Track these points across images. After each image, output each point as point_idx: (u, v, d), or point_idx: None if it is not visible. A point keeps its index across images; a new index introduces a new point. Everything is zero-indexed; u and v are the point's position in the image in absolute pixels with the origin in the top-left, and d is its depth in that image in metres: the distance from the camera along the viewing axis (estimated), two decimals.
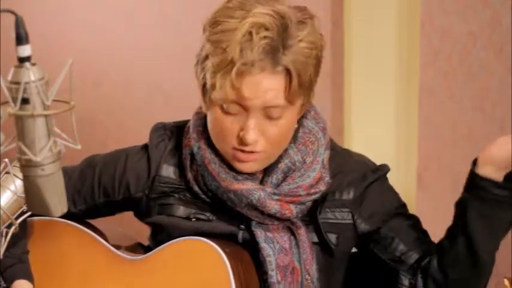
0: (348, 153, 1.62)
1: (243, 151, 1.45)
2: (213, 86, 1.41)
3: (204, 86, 1.45)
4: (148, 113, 2.53)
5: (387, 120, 2.58)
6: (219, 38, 1.40)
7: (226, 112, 1.43)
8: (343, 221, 1.54)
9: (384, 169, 1.59)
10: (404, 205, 1.61)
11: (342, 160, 1.58)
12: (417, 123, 2.52)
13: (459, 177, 2.56)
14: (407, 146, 2.56)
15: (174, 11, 2.53)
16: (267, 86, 1.39)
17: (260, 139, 1.43)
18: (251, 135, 1.42)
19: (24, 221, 1.41)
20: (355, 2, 2.52)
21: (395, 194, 1.61)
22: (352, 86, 2.57)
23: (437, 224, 2.42)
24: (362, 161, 1.60)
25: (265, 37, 1.37)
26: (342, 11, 2.55)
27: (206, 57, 1.42)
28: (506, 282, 1.41)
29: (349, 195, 1.54)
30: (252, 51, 1.36)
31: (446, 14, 2.45)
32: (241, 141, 1.43)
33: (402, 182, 2.49)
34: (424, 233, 1.60)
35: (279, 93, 1.40)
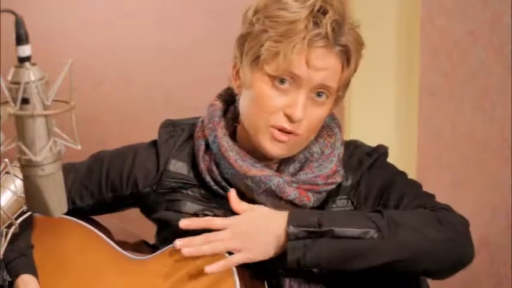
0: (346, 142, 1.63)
1: (283, 130, 1.46)
2: (275, 55, 1.43)
3: (254, 60, 1.46)
4: (148, 113, 2.53)
5: (387, 120, 2.58)
6: (280, 13, 1.43)
7: (276, 87, 1.45)
8: (344, 208, 1.55)
9: (379, 150, 1.60)
10: (399, 173, 1.60)
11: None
12: (417, 123, 2.51)
13: (459, 177, 2.57)
14: (408, 146, 2.56)
15: (174, 11, 2.53)
16: (328, 62, 1.44)
17: (303, 120, 1.45)
18: (300, 112, 1.44)
19: (31, 216, 1.41)
20: (355, 2, 2.51)
21: (392, 168, 1.60)
22: (352, 86, 2.56)
23: None
24: (356, 146, 1.61)
25: (335, 14, 1.43)
26: None
27: (263, 31, 1.44)
28: None
29: (347, 182, 1.55)
30: (325, 25, 1.42)
31: (446, 14, 2.45)
32: (286, 119, 1.45)
33: None
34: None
35: (336, 73, 1.45)
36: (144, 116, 2.47)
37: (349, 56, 1.46)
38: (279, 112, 1.45)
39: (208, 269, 1.41)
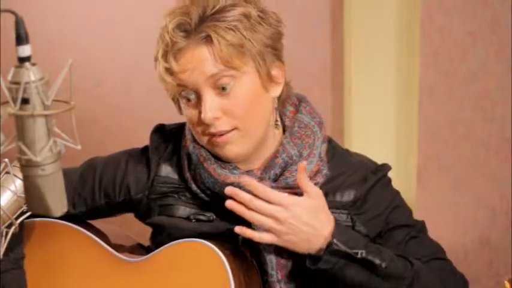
0: (347, 153, 1.62)
1: (214, 135, 1.46)
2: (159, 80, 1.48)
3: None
4: (149, 113, 2.53)
5: (387, 120, 2.58)
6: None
7: (186, 102, 1.47)
8: (341, 222, 1.53)
9: (384, 169, 1.59)
10: (398, 197, 1.60)
11: (342, 161, 1.57)
12: (417, 123, 2.52)
13: (459, 177, 2.57)
14: (407, 146, 2.56)
15: None
16: (194, 58, 1.43)
17: (223, 117, 1.44)
18: (207, 113, 1.43)
19: (22, 224, 1.41)
20: (355, 2, 2.52)
21: (393, 190, 1.60)
22: (352, 86, 2.57)
23: (437, 224, 2.42)
24: (362, 162, 1.59)
25: (179, 15, 1.44)
26: (342, 11, 2.55)
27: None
28: (507, 284, 1.40)
29: (349, 197, 1.53)
30: (168, 31, 1.43)
31: (446, 14, 2.45)
32: (206, 125, 1.45)
33: (402, 182, 2.49)
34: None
35: (211, 61, 1.42)
36: (144, 116, 2.47)
37: (212, 38, 1.42)
38: (200, 121, 1.46)
39: (237, 229, 1.40)
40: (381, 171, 1.58)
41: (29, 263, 1.56)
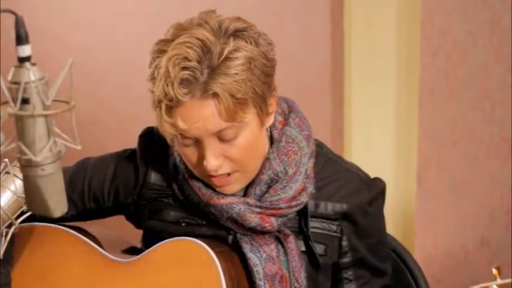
0: (340, 161, 1.58)
1: (214, 177, 1.44)
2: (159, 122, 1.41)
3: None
4: (148, 114, 2.52)
5: (387, 120, 2.58)
6: (153, 73, 1.40)
7: (183, 143, 1.42)
8: (331, 233, 1.53)
9: (379, 185, 1.56)
10: (381, 243, 1.60)
11: (334, 169, 1.55)
12: (417, 123, 2.52)
13: (459, 177, 2.57)
14: (407, 146, 2.56)
15: (174, 11, 2.53)
16: (200, 115, 1.36)
17: (225, 162, 1.42)
18: (211, 164, 1.40)
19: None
20: (355, 2, 2.52)
21: (383, 230, 1.60)
22: (352, 86, 2.57)
23: (437, 224, 2.43)
24: (355, 173, 1.56)
25: (183, 68, 1.34)
26: (342, 11, 2.55)
27: (152, 92, 1.41)
28: (495, 271, 1.40)
29: (341, 208, 1.51)
30: (173, 87, 1.34)
31: (446, 14, 2.45)
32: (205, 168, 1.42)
33: (402, 182, 2.49)
34: None
35: (216, 118, 1.36)
36: (144, 117, 2.47)
37: (220, 97, 1.35)
38: (201, 164, 1.42)
39: None
40: (376, 186, 1.56)
41: (23, 268, 1.56)
